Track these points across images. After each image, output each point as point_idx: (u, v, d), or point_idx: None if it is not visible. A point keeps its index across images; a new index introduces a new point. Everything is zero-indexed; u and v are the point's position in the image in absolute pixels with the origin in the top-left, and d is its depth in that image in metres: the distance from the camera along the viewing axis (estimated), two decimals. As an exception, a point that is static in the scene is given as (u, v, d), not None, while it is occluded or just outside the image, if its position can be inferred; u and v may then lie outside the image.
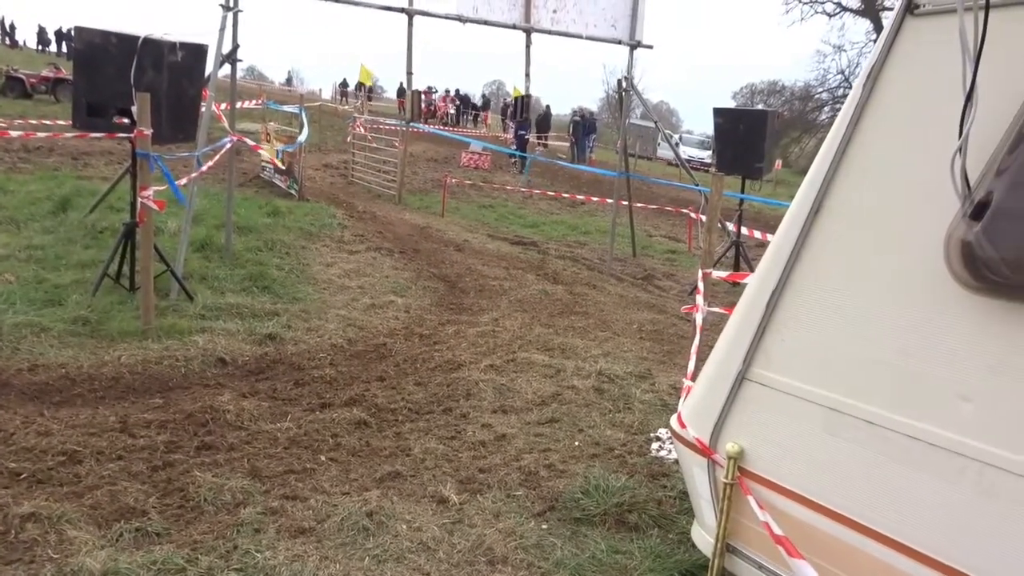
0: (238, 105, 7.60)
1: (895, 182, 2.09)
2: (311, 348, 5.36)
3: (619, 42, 9.31)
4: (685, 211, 11.89)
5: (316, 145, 19.02)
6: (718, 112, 8.73)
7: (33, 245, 6.64)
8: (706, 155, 32.16)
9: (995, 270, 1.74)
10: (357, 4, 8.53)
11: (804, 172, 2.46)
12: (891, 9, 3.57)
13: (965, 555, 1.88)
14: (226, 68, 6.86)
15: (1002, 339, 1.82)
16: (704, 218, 7.59)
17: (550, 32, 9.26)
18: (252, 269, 6.92)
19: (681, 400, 2.92)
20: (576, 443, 4.09)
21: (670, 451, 3.95)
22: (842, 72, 35.12)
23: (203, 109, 6.32)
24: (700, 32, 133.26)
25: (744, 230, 8.93)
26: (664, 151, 31.47)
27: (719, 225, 6.83)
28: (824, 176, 2.23)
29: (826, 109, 36.27)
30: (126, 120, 5.41)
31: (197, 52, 5.84)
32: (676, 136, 37.26)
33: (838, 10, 35.07)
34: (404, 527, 3.11)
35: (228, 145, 6.96)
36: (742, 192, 9.05)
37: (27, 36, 45.25)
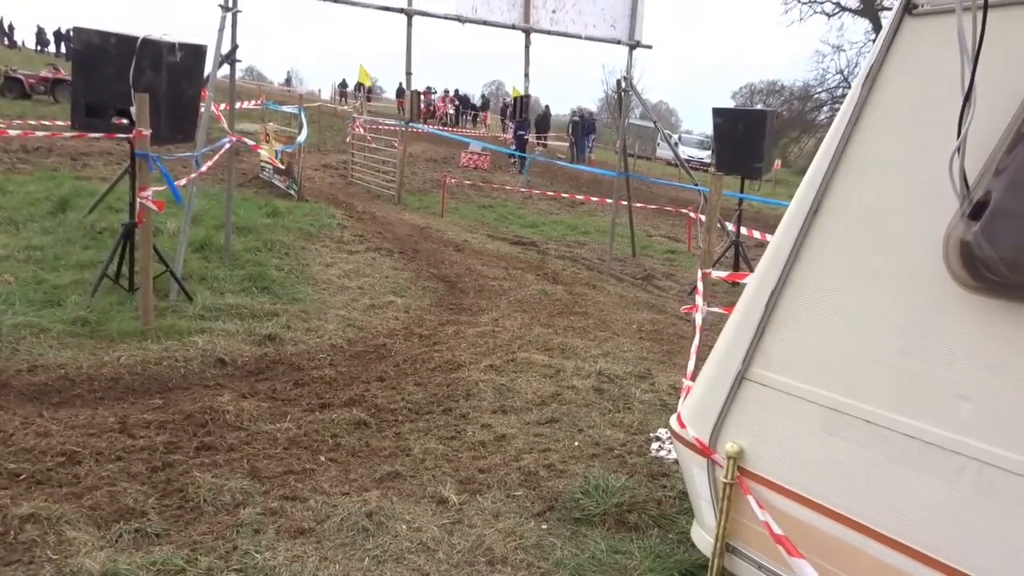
0: (237, 105, 7.60)
1: (894, 182, 2.09)
2: (311, 348, 5.36)
3: (618, 42, 9.31)
4: (684, 211, 11.90)
5: (315, 145, 19.03)
6: (717, 112, 8.74)
7: (32, 246, 6.64)
8: (705, 155, 32.17)
9: (994, 270, 1.74)
10: (356, 4, 8.53)
11: (803, 172, 2.46)
12: (890, 9, 3.57)
13: (964, 554, 1.88)
14: (225, 68, 6.86)
15: (1001, 339, 1.83)
16: (703, 218, 7.60)
17: (549, 32, 9.26)
18: (251, 270, 6.91)
19: (681, 400, 2.92)
20: (576, 443, 4.09)
21: (670, 451, 3.95)
22: (841, 72, 35.22)
23: (202, 109, 6.32)
24: (699, 32, 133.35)
25: (743, 230, 8.94)
26: (663, 151, 31.45)
27: (718, 225, 6.83)
28: (823, 176, 2.23)
29: (825, 109, 36.34)
30: (125, 120, 5.41)
31: (196, 52, 5.85)
32: (675, 136, 37.28)
33: (837, 10, 35.17)
34: (404, 527, 3.11)
35: (227, 145, 6.95)
36: (741, 192, 9.06)
37: (26, 36, 45.31)
